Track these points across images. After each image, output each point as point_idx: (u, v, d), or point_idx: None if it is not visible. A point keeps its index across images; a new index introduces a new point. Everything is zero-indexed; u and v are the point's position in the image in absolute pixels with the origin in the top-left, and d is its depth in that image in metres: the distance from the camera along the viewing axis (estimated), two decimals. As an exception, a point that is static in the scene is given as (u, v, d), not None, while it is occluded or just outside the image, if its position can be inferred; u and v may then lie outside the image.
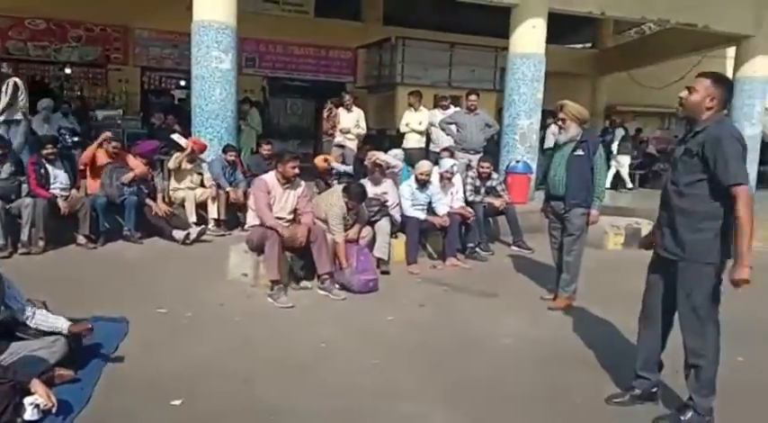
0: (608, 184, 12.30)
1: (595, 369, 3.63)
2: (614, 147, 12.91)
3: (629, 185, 12.76)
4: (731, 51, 15.64)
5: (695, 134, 2.83)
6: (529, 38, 9.31)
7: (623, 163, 12.80)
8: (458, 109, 9.05)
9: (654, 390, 3.11)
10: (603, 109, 18.56)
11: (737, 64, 11.58)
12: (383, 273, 5.49)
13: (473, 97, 8.31)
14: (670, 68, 16.46)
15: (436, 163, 6.83)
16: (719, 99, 2.80)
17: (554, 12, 9.49)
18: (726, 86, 2.83)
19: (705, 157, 2.73)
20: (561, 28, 11.12)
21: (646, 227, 7.59)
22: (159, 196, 6.84)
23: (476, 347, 3.96)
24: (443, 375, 3.50)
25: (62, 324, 3.13)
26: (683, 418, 2.87)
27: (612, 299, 5.08)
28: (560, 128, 4.88)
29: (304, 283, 5.11)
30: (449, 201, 6.48)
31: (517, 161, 9.15)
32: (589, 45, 19.06)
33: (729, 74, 17.37)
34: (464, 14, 13.26)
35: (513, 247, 7.11)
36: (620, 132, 13.12)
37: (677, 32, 12.92)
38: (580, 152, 4.69)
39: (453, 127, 8.29)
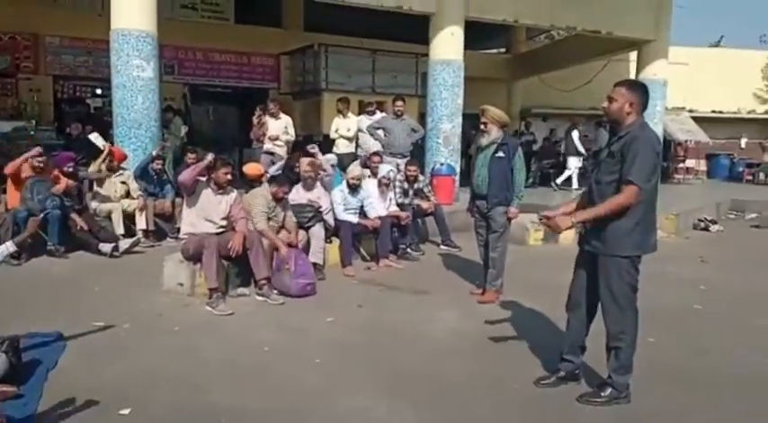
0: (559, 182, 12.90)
1: (527, 356, 3.90)
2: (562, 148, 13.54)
3: (575, 186, 13.02)
4: (634, 55, 16.80)
5: (619, 138, 3.11)
6: (448, 45, 9.68)
7: (572, 165, 13.12)
8: (384, 114, 9.30)
9: (577, 371, 3.40)
10: (518, 112, 19.38)
11: (639, 67, 12.47)
12: (320, 279, 5.61)
13: (399, 103, 8.56)
14: (579, 72, 17.43)
15: (365, 167, 7.01)
16: (637, 103, 3.10)
17: (470, 19, 9.91)
18: (641, 91, 3.13)
19: (624, 159, 3.02)
20: (477, 34, 11.58)
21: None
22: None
23: (413, 342, 4.16)
24: (385, 370, 3.67)
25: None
26: (602, 394, 3.17)
27: (537, 290, 5.43)
28: (482, 131, 5.15)
29: (241, 290, 5.16)
30: (387, 205, 6.69)
31: (441, 164, 9.48)
32: (503, 50, 19.87)
33: (632, 76, 18.71)
34: (385, 22, 13.54)
35: (443, 247, 7.39)
36: (575, 134, 13.45)
37: (584, 38, 13.73)
38: (501, 154, 4.98)
39: (381, 132, 8.51)
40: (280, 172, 6.61)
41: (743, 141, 20.84)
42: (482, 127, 5.14)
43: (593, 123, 19.29)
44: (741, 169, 18.60)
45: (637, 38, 12.05)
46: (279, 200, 5.55)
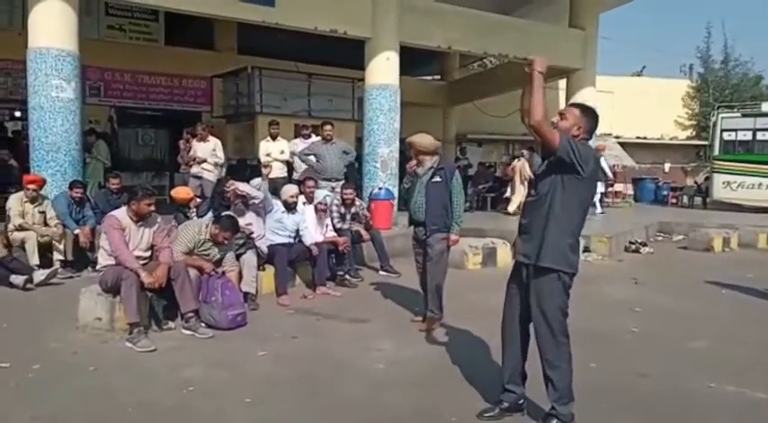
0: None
1: (466, 386, 3.74)
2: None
3: (599, 210, 13.05)
4: (563, 83, 17.36)
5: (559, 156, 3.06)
6: (383, 69, 9.67)
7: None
8: (319, 138, 9.16)
9: (521, 401, 3.26)
10: (454, 137, 19.68)
11: (569, 94, 12.85)
12: (252, 309, 5.33)
13: (328, 127, 8.49)
14: (512, 99, 17.81)
15: (301, 192, 6.80)
16: (585, 128, 3.05)
17: (405, 45, 9.95)
18: (591, 117, 3.09)
19: (561, 173, 2.96)
20: (413, 60, 11.69)
21: (501, 246, 8.10)
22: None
23: (351, 375, 3.94)
24: (317, 404, 3.44)
25: None
26: (548, 426, 3.05)
27: (478, 316, 5.30)
28: (418, 163, 5.04)
29: (166, 324, 4.81)
30: (324, 231, 6.49)
31: (379, 188, 9.35)
32: (438, 77, 20.18)
33: (562, 104, 19.33)
34: (320, 46, 13.48)
35: (381, 272, 7.23)
36: (602, 161, 13.45)
37: (516, 66, 14.03)
38: (437, 179, 4.89)
39: (312, 158, 8.35)
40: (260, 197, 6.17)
41: (666, 166, 21.80)
42: (414, 162, 5.09)
43: (525, 148, 19.87)
44: (666, 193, 19.38)
45: (565, 66, 12.42)
46: (217, 243, 5.24)
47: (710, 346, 4.68)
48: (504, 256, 8.05)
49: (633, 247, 9.83)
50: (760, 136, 15.82)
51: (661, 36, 61.72)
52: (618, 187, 19.41)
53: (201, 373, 3.90)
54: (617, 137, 20.31)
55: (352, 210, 7.15)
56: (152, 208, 4.84)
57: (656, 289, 6.86)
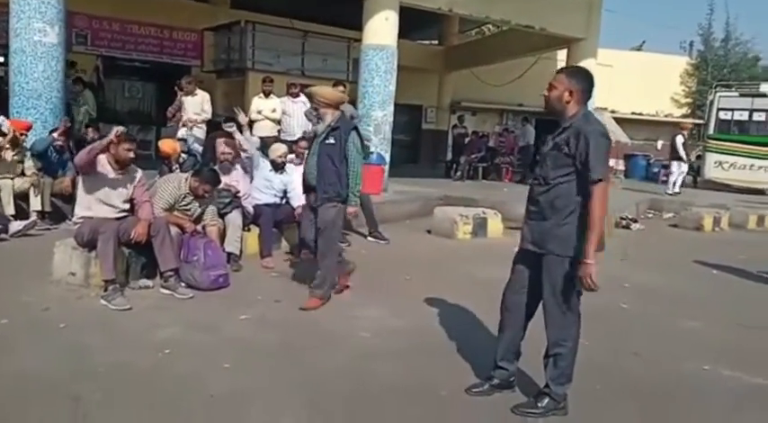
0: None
1: (456, 359, 3.62)
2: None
3: (677, 190, 13.23)
4: (561, 55, 17.02)
5: (563, 130, 2.86)
6: (381, 30, 9.34)
7: (675, 169, 13.41)
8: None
9: (512, 378, 3.14)
10: (449, 104, 19.37)
11: (569, 65, 12.53)
12: (235, 270, 5.15)
13: (341, 88, 8.21)
14: (509, 68, 17.54)
15: (291, 152, 6.57)
16: (577, 91, 2.84)
17: (405, 5, 9.60)
18: (581, 78, 2.88)
19: (572, 152, 2.77)
20: (410, 23, 11.24)
21: (492, 217, 7.95)
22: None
23: (335, 343, 3.81)
24: (302, 374, 3.30)
25: None
26: (539, 404, 2.92)
27: (468, 288, 5.20)
28: (318, 118, 4.58)
29: (144, 282, 4.63)
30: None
31: (371, 152, 9.14)
32: (435, 42, 19.74)
33: (560, 75, 19.02)
34: (317, 3, 13.07)
35: (370, 238, 7.07)
36: (679, 139, 13.28)
37: (516, 34, 13.75)
38: (331, 140, 4.35)
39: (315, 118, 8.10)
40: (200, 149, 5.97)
41: (659, 143, 21.61)
42: (315, 114, 4.62)
43: (520, 119, 19.64)
44: (657, 170, 19.29)
45: (568, 35, 12.12)
46: (197, 196, 5.01)
47: (702, 327, 4.59)
48: (495, 227, 7.92)
49: (624, 223, 9.73)
50: (756, 117, 15.71)
51: (664, 10, 60.89)
52: (610, 162, 19.25)
53: (179, 335, 3.75)
54: (613, 111, 20.05)
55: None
56: (131, 154, 4.57)
57: (646, 266, 6.76)
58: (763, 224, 10.87)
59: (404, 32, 10.01)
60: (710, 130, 16.40)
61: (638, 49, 27.96)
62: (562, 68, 2.99)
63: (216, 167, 5.53)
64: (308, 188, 4.60)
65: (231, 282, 4.84)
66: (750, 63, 24.40)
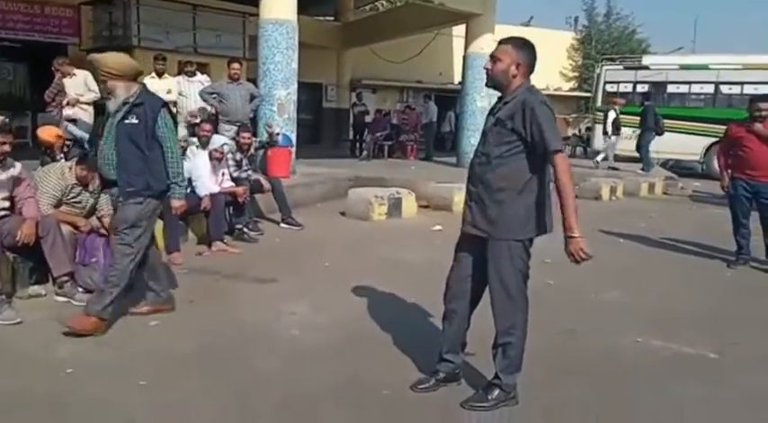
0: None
1: (394, 353, 3.41)
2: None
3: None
4: (458, 30, 17.15)
5: (505, 103, 2.69)
6: (280, 3, 8.84)
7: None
8: (205, 76, 8.43)
9: (457, 371, 2.98)
10: (349, 82, 19.07)
11: (468, 41, 12.60)
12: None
13: (236, 66, 7.81)
14: (408, 44, 17.49)
15: (193, 135, 6.07)
16: (524, 65, 2.68)
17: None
18: (529, 51, 2.71)
19: (517, 127, 2.60)
20: (306, -2, 10.79)
21: (406, 196, 7.82)
22: None
23: (260, 343, 3.50)
24: (230, 382, 2.97)
25: None
26: (489, 396, 2.78)
27: (391, 272, 5.03)
28: (109, 93, 3.62)
29: (35, 290, 4.07)
30: (219, 181, 5.82)
31: (277, 133, 8.70)
32: (331, 18, 19.28)
33: (459, 51, 19.21)
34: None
35: (283, 225, 6.72)
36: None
37: (413, 9, 13.68)
38: (133, 120, 3.52)
39: (214, 98, 7.57)
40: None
41: (552, 117, 22.55)
42: (103, 86, 3.73)
43: (421, 96, 19.70)
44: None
45: (466, 11, 12.14)
46: (86, 185, 4.42)
47: (624, 298, 4.67)
48: (410, 207, 7.80)
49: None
50: (639, 88, 16.59)
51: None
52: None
53: (82, 351, 3.28)
54: (508, 87, 20.65)
55: (249, 153, 6.52)
56: (6, 147, 3.96)
57: (559, 238, 6.87)
58: (653, 191, 11.51)
59: (299, 8, 9.55)
60: (598, 103, 17.16)
61: (527, 24, 28.81)
62: (507, 39, 2.77)
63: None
64: (106, 182, 3.75)
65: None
66: (629, 37, 25.83)
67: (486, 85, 2.80)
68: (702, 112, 15.08)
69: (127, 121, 3.52)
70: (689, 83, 15.72)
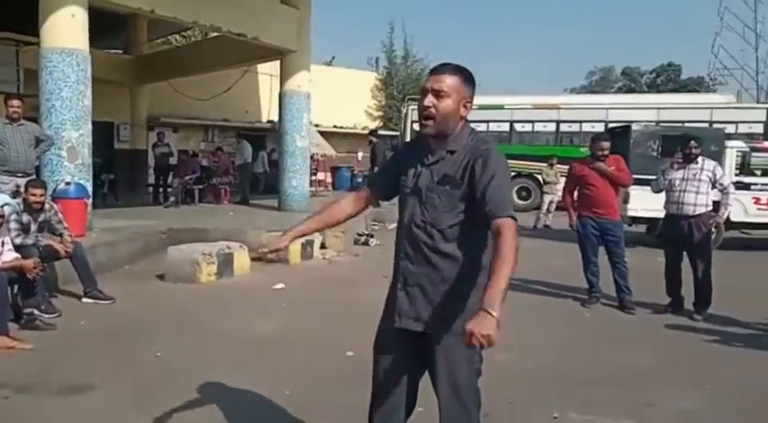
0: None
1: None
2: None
3: None
4: (265, 68, 16.52)
5: (450, 153, 2.04)
6: (68, 29, 7.43)
7: None
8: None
9: None
10: (145, 120, 17.33)
11: (283, 78, 11.95)
12: None
13: (16, 103, 6.35)
14: (213, 81, 16.37)
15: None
16: (471, 102, 2.07)
17: (95, 5, 7.86)
18: (472, 82, 2.07)
19: (473, 184, 1.97)
20: (92, 27, 9.18)
21: (237, 250, 6.84)
22: None
23: None
24: None
25: None
26: None
27: (246, 355, 4.11)
28: None
29: None
30: None
31: (67, 183, 7.18)
32: (121, 51, 17.44)
33: (266, 90, 18.51)
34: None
35: (87, 300, 5.35)
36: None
37: (219, 44, 12.75)
38: None
39: None
40: None
41: (360, 155, 22.78)
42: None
43: (228, 135, 18.62)
44: (360, 180, 20.30)
45: (280, 46, 11.51)
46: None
47: (516, 358, 4.09)
48: (243, 262, 6.84)
49: (362, 239, 9.52)
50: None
51: (350, 28, 65.28)
52: (320, 176, 19.65)
53: None
54: (316, 125, 20.35)
55: (41, 217, 5.13)
56: None
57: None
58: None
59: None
60: (408, 140, 17.67)
61: (329, 64, 29.17)
62: (445, 67, 2.05)
63: None
64: None
65: None
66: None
67: (426, 132, 2.05)
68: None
69: None
70: (487, 122, 16.72)
